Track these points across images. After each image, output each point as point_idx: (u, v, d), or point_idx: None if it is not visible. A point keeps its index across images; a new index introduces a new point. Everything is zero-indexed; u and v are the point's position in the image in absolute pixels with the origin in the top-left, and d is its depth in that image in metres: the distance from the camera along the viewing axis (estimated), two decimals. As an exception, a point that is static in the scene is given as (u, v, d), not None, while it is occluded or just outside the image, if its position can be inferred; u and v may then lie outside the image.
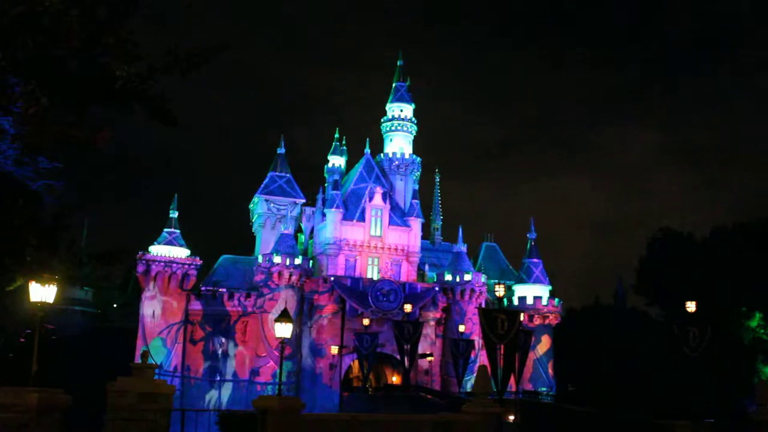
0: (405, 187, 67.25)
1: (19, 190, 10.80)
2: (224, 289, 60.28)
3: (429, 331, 58.67)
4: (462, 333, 54.30)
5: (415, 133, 69.85)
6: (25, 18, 8.57)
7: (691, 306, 25.66)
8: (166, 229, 60.74)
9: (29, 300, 14.15)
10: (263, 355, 57.91)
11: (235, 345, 59.19)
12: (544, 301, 65.74)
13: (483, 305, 61.26)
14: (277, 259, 58.74)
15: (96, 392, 17.81)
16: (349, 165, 70.59)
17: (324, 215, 62.90)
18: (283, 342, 18.95)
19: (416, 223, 63.87)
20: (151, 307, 57.58)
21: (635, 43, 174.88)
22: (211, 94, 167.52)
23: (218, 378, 58.29)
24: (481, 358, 52.60)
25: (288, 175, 68.28)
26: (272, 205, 66.48)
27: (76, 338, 58.36)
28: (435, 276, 63.34)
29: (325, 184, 68.11)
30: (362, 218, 62.44)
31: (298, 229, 66.94)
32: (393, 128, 69.13)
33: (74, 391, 14.64)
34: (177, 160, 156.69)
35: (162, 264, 57.78)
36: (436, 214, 73.23)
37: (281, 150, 69.04)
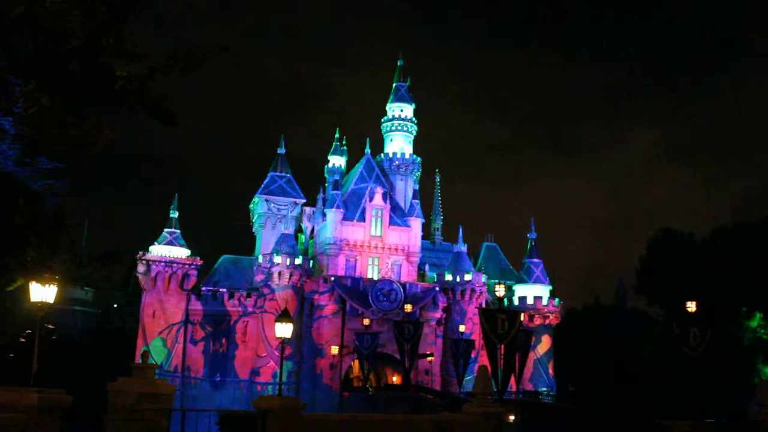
0: (405, 187, 67.27)
1: (19, 190, 10.80)
2: (224, 289, 60.34)
3: (429, 331, 58.63)
4: (462, 333, 54.31)
5: (415, 133, 69.88)
6: (25, 18, 8.58)
7: (691, 306, 25.63)
8: (166, 229, 60.79)
9: (29, 300, 14.17)
10: (263, 355, 57.94)
11: (236, 345, 59.24)
12: (545, 301, 65.79)
13: (483, 305, 61.28)
14: (277, 259, 58.74)
15: (96, 392, 17.80)
16: (350, 165, 70.63)
17: (324, 215, 62.91)
18: (284, 342, 18.95)
19: (416, 223, 63.87)
20: (151, 308, 57.62)
21: (635, 43, 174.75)
22: (211, 94, 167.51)
23: (218, 378, 58.33)
24: (481, 358, 52.59)
25: (288, 175, 68.31)
26: (272, 205, 66.52)
27: (76, 338, 58.46)
28: (435, 276, 63.34)
29: (326, 184, 68.15)
30: (362, 218, 62.44)
31: (299, 229, 67.01)
32: (393, 128, 69.16)
33: (74, 391, 14.64)
34: (177, 159, 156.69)
35: (162, 264, 57.83)
36: (436, 214, 73.25)
37: (281, 150, 69.12)
